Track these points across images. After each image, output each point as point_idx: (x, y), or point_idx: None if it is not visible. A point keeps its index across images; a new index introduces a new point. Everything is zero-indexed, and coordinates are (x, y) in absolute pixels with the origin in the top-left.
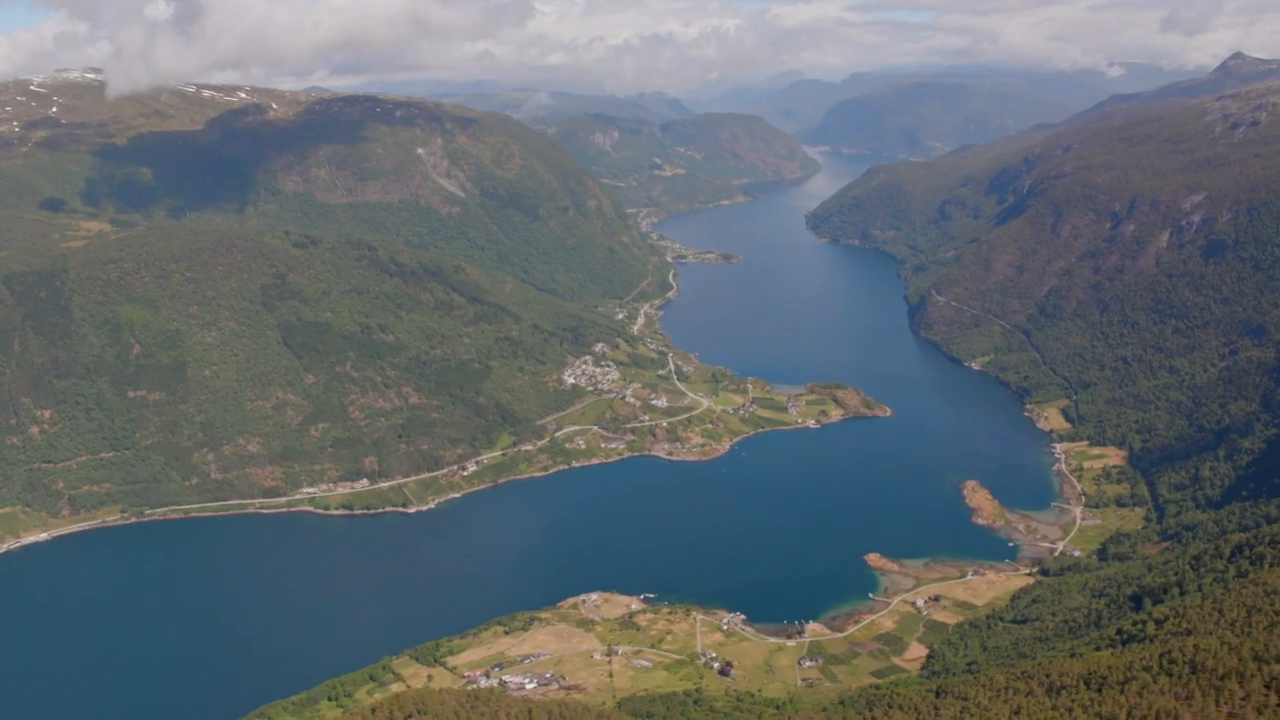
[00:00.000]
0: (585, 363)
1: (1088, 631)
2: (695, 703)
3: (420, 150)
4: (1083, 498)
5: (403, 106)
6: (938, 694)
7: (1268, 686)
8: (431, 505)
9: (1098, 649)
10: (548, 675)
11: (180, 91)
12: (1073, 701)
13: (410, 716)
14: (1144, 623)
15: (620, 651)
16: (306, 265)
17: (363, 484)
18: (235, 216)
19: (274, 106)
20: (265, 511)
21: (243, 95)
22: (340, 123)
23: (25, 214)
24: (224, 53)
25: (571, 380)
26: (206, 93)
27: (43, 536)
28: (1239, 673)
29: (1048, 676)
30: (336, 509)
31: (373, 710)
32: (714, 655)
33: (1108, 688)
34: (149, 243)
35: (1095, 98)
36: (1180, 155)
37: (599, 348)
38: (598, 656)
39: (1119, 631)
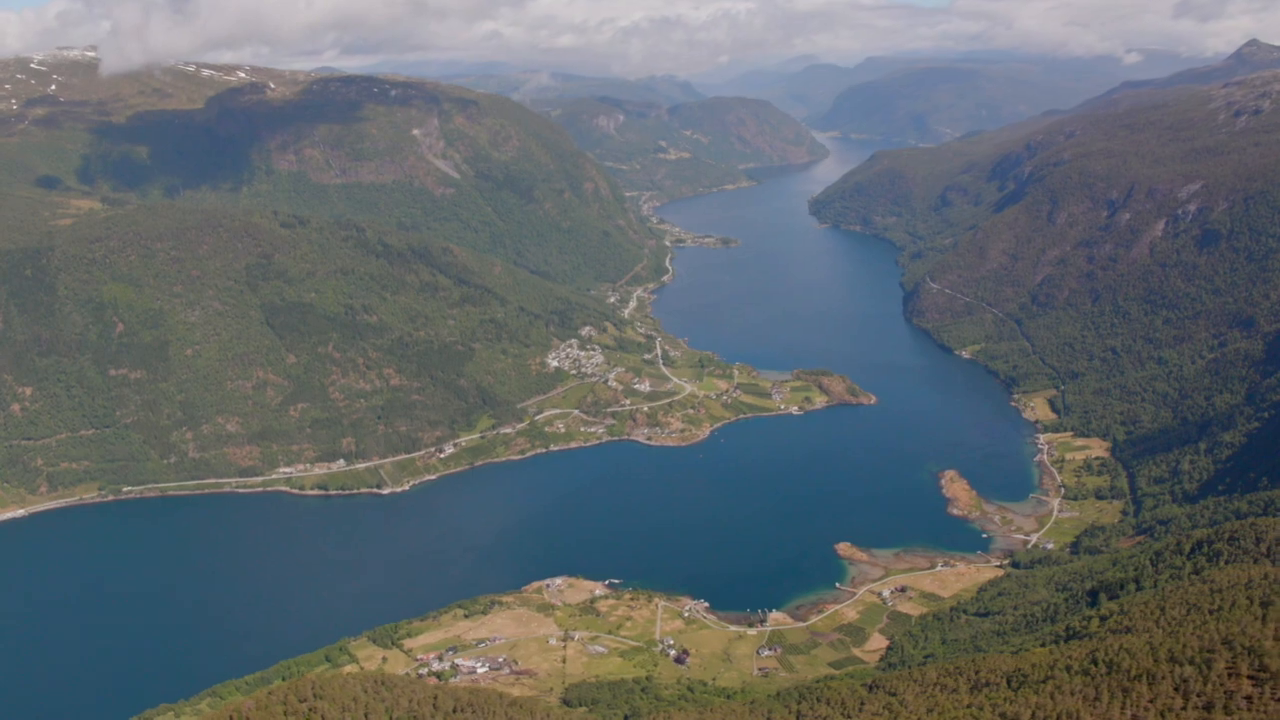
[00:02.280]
0: (570, 346)
1: (1042, 626)
2: (643, 690)
3: (416, 131)
4: (1062, 489)
5: (399, 87)
6: (869, 689)
7: (1176, 689)
8: (406, 487)
9: (1043, 645)
10: (500, 659)
11: (180, 70)
12: (986, 700)
13: (305, 701)
14: (1091, 619)
15: (576, 637)
16: (293, 245)
17: (339, 465)
18: (230, 196)
19: (272, 86)
20: (241, 491)
21: (242, 74)
22: (337, 103)
23: (18, 191)
24: (218, 31)
25: (555, 363)
26: (206, 72)
27: (20, 513)
28: (1150, 674)
29: (976, 673)
30: (312, 489)
31: (269, 694)
32: (672, 643)
33: (1026, 687)
34: (136, 222)
35: (1109, 84)
36: (1181, 143)
37: (585, 331)
38: (553, 641)
39: (1067, 628)
